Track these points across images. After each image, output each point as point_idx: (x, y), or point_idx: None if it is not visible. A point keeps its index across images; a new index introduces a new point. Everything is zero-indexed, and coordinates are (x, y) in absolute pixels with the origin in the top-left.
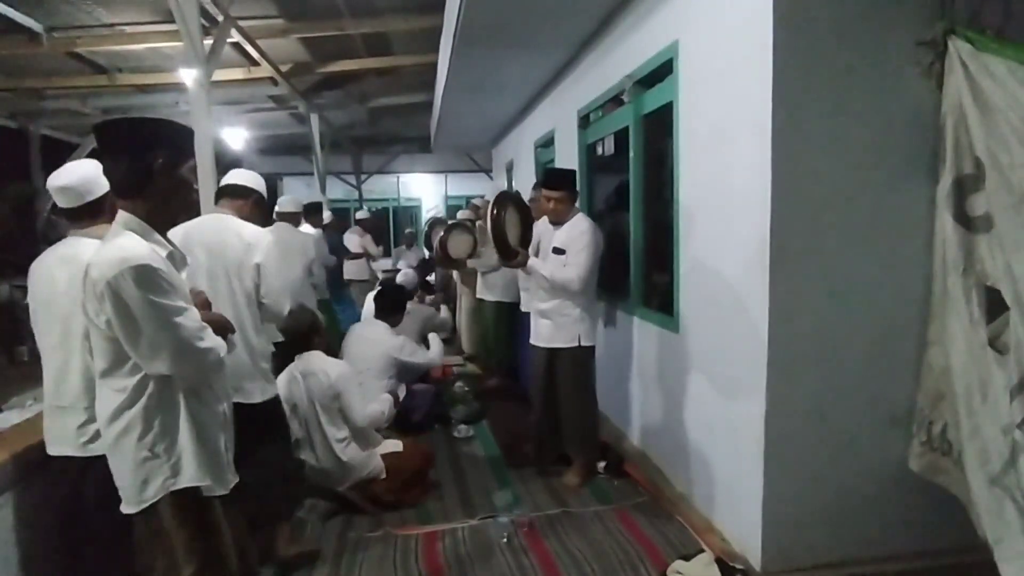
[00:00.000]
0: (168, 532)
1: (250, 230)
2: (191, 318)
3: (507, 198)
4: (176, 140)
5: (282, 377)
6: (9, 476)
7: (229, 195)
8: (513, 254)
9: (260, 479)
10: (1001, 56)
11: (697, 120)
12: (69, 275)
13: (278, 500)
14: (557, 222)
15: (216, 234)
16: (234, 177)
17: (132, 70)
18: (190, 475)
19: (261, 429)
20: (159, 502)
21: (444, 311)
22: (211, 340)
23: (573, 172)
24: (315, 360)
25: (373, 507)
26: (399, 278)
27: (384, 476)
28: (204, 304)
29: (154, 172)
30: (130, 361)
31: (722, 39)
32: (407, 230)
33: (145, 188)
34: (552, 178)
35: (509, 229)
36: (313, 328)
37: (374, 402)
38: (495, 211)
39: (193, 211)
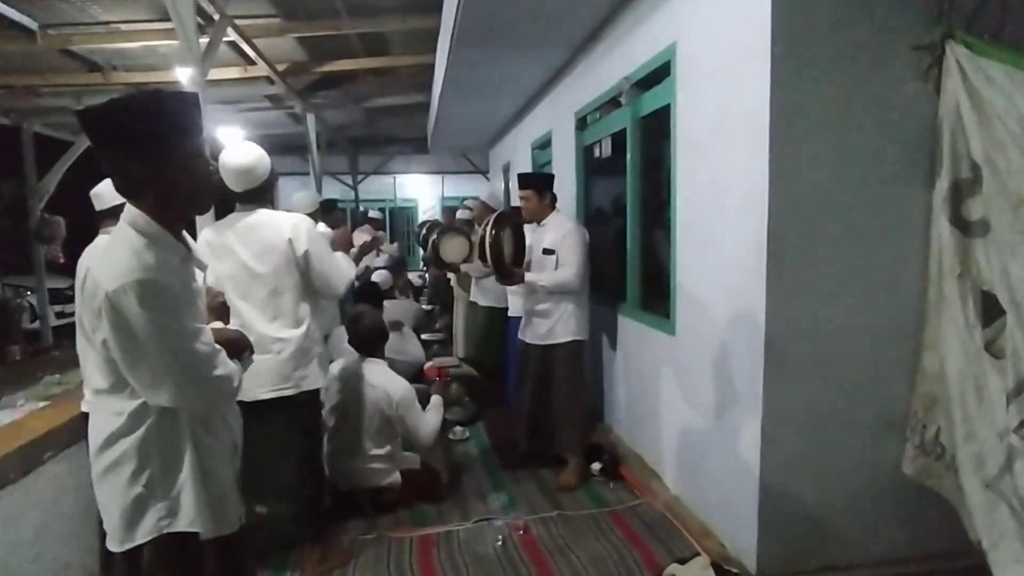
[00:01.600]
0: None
1: (286, 222)
2: (205, 342)
3: (505, 220)
4: (175, 118)
5: (335, 368)
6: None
7: (250, 200)
8: (510, 273)
9: (285, 495)
10: (998, 61)
11: (695, 123)
12: None
13: (303, 520)
14: (535, 220)
15: (258, 236)
16: (238, 177)
17: (127, 68)
18: (188, 519)
19: (293, 424)
20: (146, 543)
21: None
22: (225, 367)
23: (544, 174)
24: (379, 373)
25: (376, 512)
26: (373, 277)
27: (398, 488)
28: (221, 310)
29: (163, 167)
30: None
31: (720, 42)
32: (422, 226)
33: (148, 181)
34: (523, 179)
35: (505, 248)
36: (381, 334)
37: (428, 411)
38: (493, 232)
39: (210, 199)
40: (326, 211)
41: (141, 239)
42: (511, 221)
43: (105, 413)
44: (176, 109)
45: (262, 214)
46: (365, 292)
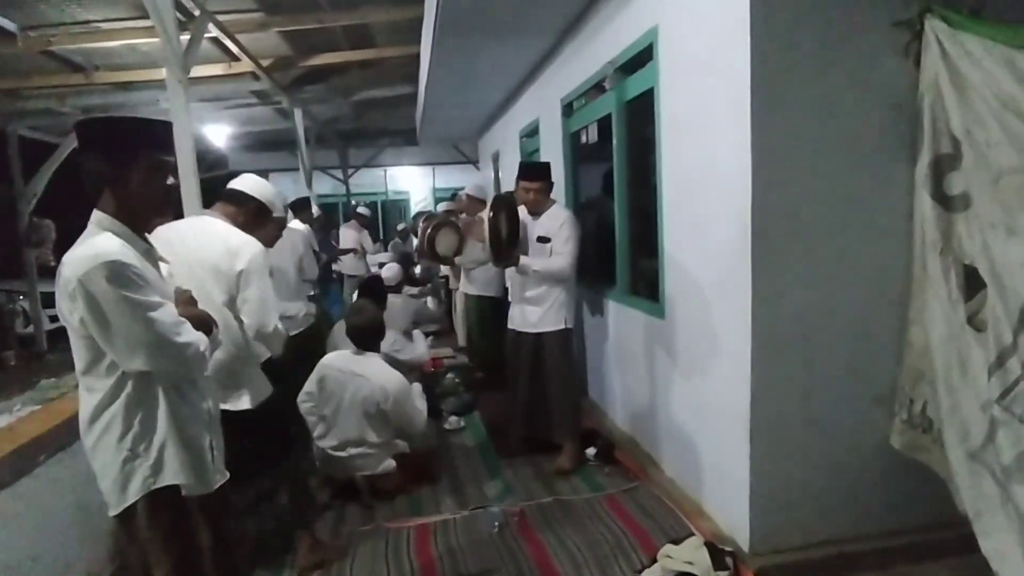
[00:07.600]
0: (144, 531)
1: (237, 237)
2: (167, 313)
3: (502, 203)
4: (149, 137)
5: (327, 363)
6: None
7: (224, 199)
8: (507, 255)
9: (268, 491)
10: (977, 34)
11: (678, 105)
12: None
13: (291, 511)
14: (535, 212)
15: (195, 236)
16: (237, 182)
17: (110, 68)
18: (171, 473)
19: (256, 436)
20: (138, 501)
21: (431, 302)
22: (189, 335)
23: (547, 164)
24: (375, 368)
25: (373, 499)
26: (383, 272)
27: (394, 473)
28: (189, 301)
29: (124, 169)
30: (106, 360)
31: (700, 23)
32: (399, 226)
33: (116, 185)
34: (531, 171)
35: (501, 230)
36: (379, 329)
37: (417, 399)
38: (491, 214)
39: (169, 209)
40: (297, 210)
41: (105, 233)
42: (506, 202)
43: (87, 392)
44: (154, 129)
45: (212, 222)
46: (367, 287)
